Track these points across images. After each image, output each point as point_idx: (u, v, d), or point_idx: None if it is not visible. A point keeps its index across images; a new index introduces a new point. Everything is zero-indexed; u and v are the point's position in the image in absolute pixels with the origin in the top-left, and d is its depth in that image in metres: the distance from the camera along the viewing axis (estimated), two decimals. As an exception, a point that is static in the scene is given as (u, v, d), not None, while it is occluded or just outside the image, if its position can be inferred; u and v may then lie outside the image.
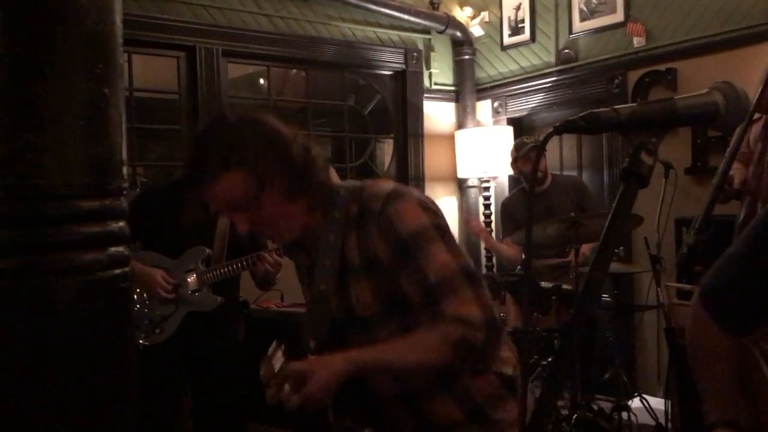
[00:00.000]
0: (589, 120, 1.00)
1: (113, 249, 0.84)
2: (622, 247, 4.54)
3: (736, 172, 2.95)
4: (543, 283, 3.94)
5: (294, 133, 1.55)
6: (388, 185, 1.57)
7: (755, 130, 2.98)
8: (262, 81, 5.31)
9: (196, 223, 3.13)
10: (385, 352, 1.48)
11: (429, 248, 1.48)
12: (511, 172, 5.18)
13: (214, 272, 3.08)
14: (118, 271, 0.85)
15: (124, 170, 0.86)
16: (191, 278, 3.08)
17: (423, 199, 1.57)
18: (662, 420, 3.54)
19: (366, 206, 1.53)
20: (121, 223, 0.87)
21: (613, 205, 0.99)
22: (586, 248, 4.07)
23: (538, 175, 4.37)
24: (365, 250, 1.52)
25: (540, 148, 1.03)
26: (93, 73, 0.81)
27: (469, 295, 1.46)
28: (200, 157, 1.48)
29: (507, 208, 4.62)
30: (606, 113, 1.00)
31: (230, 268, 3.09)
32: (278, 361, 1.52)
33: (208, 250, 3.10)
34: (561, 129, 1.00)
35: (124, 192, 0.86)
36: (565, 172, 5.22)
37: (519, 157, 4.44)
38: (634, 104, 1.01)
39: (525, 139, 4.59)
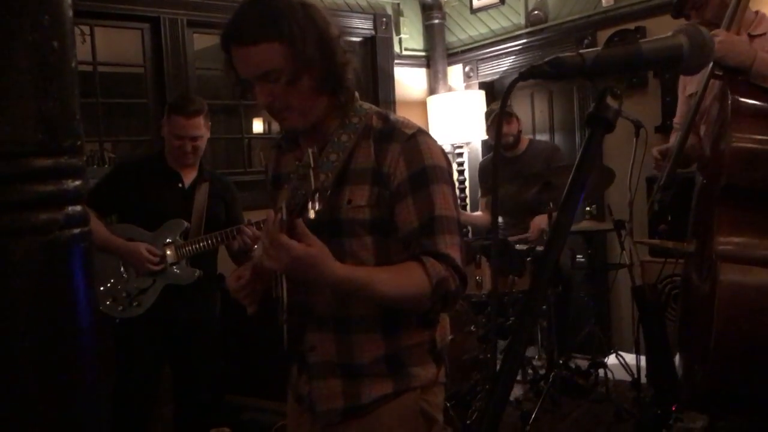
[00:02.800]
0: (554, 65, 0.99)
1: (71, 208, 0.82)
2: (594, 205, 4.57)
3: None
4: (518, 246, 3.97)
5: (340, 31, 1.56)
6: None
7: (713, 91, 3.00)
8: (227, 53, 5.21)
9: (173, 196, 3.10)
10: (373, 275, 1.48)
11: (442, 187, 1.53)
12: (485, 137, 5.20)
13: (193, 245, 3.07)
14: (77, 230, 0.82)
15: (80, 128, 0.83)
16: (169, 251, 3.06)
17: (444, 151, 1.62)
18: (637, 375, 3.60)
19: (395, 128, 1.56)
20: (78, 182, 0.84)
21: (580, 150, 0.98)
22: (540, 220, 4.11)
23: (509, 139, 4.40)
24: (380, 161, 1.53)
25: (505, 96, 1.01)
26: (39, 25, 0.78)
27: (458, 242, 1.53)
28: (250, 17, 1.45)
29: (483, 170, 4.65)
30: (571, 58, 0.99)
31: (209, 242, 3.08)
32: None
33: (186, 223, 3.08)
34: (526, 75, 0.98)
35: (81, 150, 0.83)
36: (538, 136, 5.23)
37: (488, 124, 4.48)
38: (599, 48, 1.00)
39: (494, 106, 4.61)
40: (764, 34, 2.51)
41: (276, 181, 1.76)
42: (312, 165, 1.30)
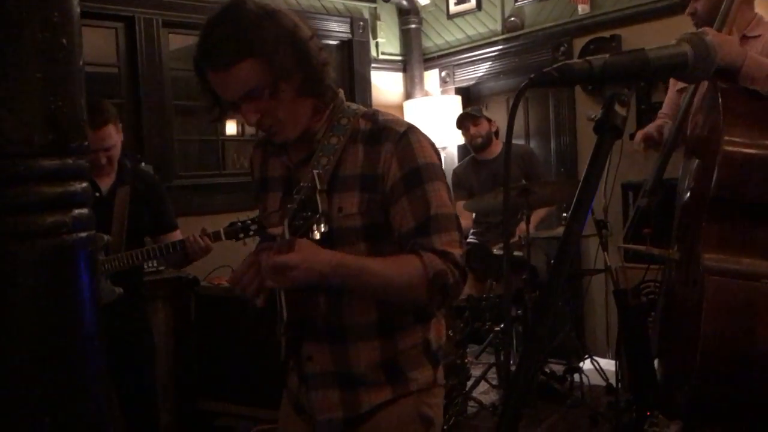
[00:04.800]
0: (562, 71, 0.99)
1: (77, 211, 0.79)
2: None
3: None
4: (495, 250, 3.99)
5: (312, 30, 1.54)
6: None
7: (701, 91, 3.04)
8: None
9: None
10: (367, 261, 1.47)
11: (437, 184, 1.52)
12: (461, 142, 5.22)
13: (113, 263, 2.76)
14: (83, 234, 0.80)
15: (86, 128, 0.81)
16: None
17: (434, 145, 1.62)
18: (612, 380, 3.63)
19: (384, 126, 1.54)
20: (84, 184, 0.81)
21: (589, 157, 0.98)
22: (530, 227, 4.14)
23: (478, 140, 4.43)
24: (371, 163, 1.51)
25: (517, 99, 1.01)
26: (49, 22, 0.75)
27: (456, 237, 1.51)
28: (219, 41, 1.41)
29: (458, 176, 4.66)
30: (579, 64, 0.99)
31: (133, 259, 2.79)
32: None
33: (105, 237, 2.74)
34: (536, 81, 0.98)
35: (87, 151, 0.81)
36: (513, 141, 5.26)
37: (458, 126, 4.53)
38: (606, 55, 1.00)
39: (466, 111, 4.64)
40: (760, 36, 2.47)
41: (263, 184, 1.72)
42: (319, 187, 1.29)
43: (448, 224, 1.51)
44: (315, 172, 1.31)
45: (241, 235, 2.75)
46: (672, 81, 3.08)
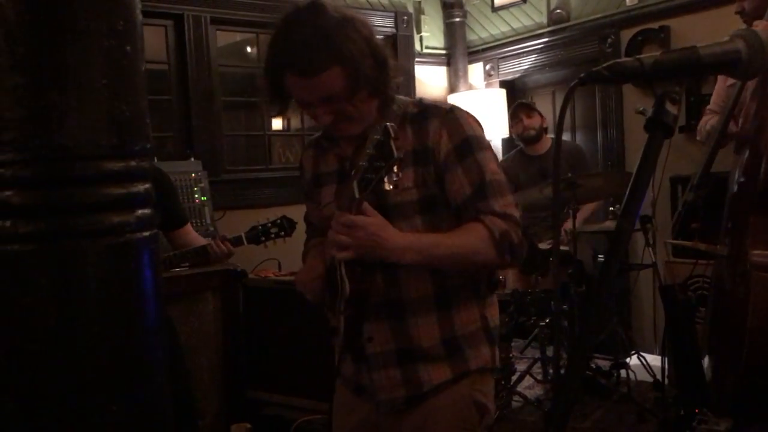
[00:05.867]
0: (613, 70, 0.99)
1: (140, 211, 0.83)
2: (618, 205, 4.56)
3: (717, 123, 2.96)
4: (541, 245, 3.96)
5: (381, 39, 1.60)
6: None
7: (751, 86, 2.99)
8: (249, 49, 5.23)
9: None
10: (437, 237, 1.54)
11: (486, 153, 1.60)
12: (506, 135, 5.20)
13: None
14: (146, 233, 0.83)
15: (149, 131, 0.85)
16: None
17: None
18: (659, 376, 3.58)
19: (431, 107, 1.62)
20: (147, 185, 0.85)
21: (640, 156, 0.98)
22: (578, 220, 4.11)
23: (530, 133, 4.40)
24: (422, 140, 1.58)
25: (566, 98, 1.01)
26: (114, 30, 0.79)
27: (512, 201, 1.59)
28: (307, 46, 1.46)
29: (505, 169, 4.63)
30: (630, 62, 1.00)
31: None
32: None
33: None
34: (586, 79, 0.99)
35: (150, 153, 0.84)
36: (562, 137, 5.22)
37: (512, 116, 4.50)
38: (657, 53, 1.00)
39: (522, 101, 4.61)
40: None
41: (317, 180, 1.78)
42: (393, 135, 1.32)
43: (503, 189, 1.58)
44: (387, 124, 1.36)
45: (263, 238, 2.81)
46: (721, 76, 3.02)
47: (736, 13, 2.69)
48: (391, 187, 1.35)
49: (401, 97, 1.68)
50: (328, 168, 1.73)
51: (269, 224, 2.80)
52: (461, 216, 1.58)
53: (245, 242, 2.84)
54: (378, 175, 1.33)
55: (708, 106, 3.13)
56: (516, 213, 1.56)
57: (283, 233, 2.83)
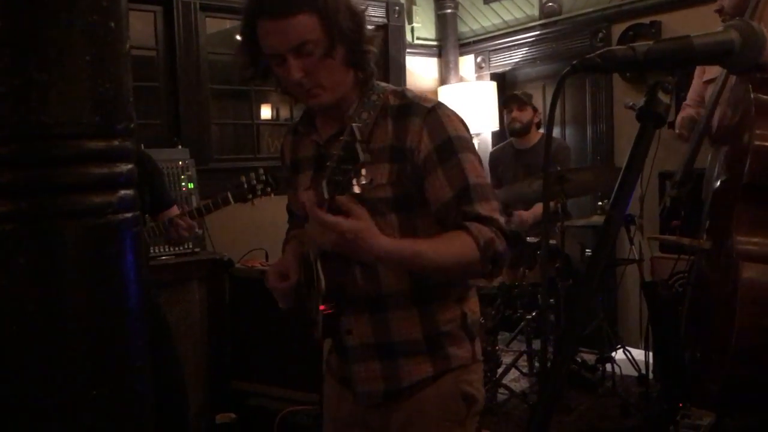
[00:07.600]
0: (605, 58, 0.98)
1: (123, 192, 0.81)
2: (606, 200, 4.56)
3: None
4: (528, 239, 3.96)
5: (372, 29, 1.58)
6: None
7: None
8: (239, 37, 5.19)
9: None
10: (421, 245, 1.46)
11: (470, 155, 1.53)
12: (496, 128, 5.19)
13: None
14: (128, 215, 0.81)
15: (133, 111, 0.82)
16: None
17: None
18: (644, 371, 3.60)
19: (414, 104, 1.55)
20: (130, 166, 0.83)
21: (631, 146, 0.97)
22: (527, 215, 4.12)
23: (517, 125, 4.40)
24: (401, 139, 1.52)
25: (558, 87, 1.00)
26: (97, 5, 0.77)
27: (497, 206, 1.54)
28: None
29: (493, 159, 4.64)
30: (622, 51, 0.98)
31: None
32: None
33: None
34: (578, 67, 0.98)
35: (133, 133, 0.82)
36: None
37: (503, 106, 4.52)
38: (650, 42, 0.99)
39: (515, 93, 4.61)
40: None
41: (295, 166, 1.75)
42: (359, 138, 1.28)
43: (487, 193, 1.53)
44: (354, 125, 1.31)
45: (250, 196, 2.74)
46: (698, 71, 3.04)
47: (716, 11, 2.70)
48: (360, 191, 1.29)
49: (382, 83, 1.63)
50: (305, 153, 1.70)
51: (254, 181, 2.73)
52: (441, 220, 1.53)
53: (232, 201, 2.79)
54: (345, 177, 1.30)
55: (685, 102, 3.16)
56: (501, 218, 1.51)
57: (269, 189, 2.77)
